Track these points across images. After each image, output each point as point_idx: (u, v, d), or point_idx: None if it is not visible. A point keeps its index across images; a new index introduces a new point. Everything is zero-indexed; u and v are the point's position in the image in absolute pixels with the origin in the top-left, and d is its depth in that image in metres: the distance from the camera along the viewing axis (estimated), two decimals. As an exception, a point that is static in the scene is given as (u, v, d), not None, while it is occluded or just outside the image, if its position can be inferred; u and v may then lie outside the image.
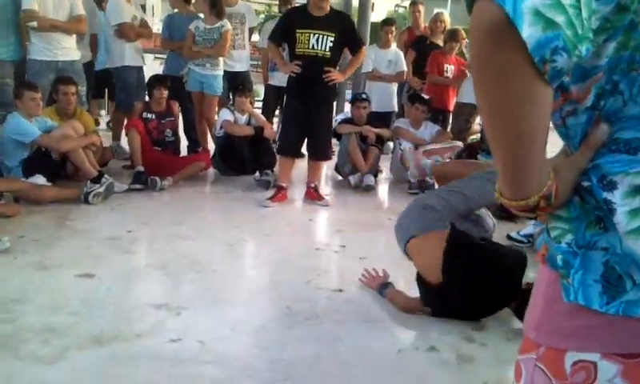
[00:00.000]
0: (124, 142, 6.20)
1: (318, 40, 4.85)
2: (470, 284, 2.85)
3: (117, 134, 6.60)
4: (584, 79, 0.81)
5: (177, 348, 2.60)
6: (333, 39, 4.88)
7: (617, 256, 0.81)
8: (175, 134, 5.90)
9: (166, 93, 5.75)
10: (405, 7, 9.11)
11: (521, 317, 2.94)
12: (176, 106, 5.97)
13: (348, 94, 8.38)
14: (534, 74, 0.72)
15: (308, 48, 4.88)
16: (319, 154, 5.25)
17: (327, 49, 4.89)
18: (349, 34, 5.05)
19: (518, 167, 0.82)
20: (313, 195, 5.24)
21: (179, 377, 2.39)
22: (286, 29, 5.01)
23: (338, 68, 5.18)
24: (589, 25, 0.73)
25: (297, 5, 6.19)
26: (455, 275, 2.88)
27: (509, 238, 4.32)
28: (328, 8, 4.96)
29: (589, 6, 0.72)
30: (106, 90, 7.88)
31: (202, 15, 6.28)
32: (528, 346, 0.92)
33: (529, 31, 0.69)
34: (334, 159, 6.37)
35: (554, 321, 0.88)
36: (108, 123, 7.90)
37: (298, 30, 4.88)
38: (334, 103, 5.64)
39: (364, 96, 6.46)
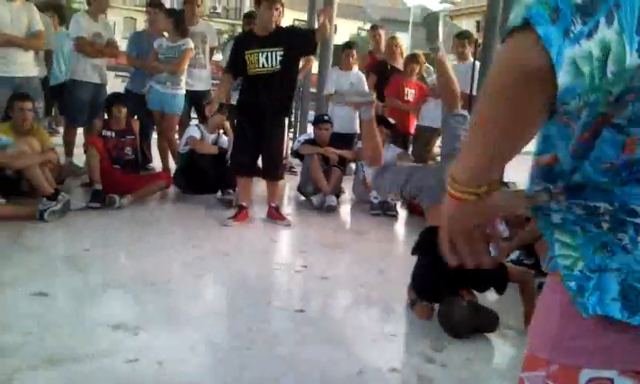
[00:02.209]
0: (78, 159, 6.13)
1: (267, 58, 4.89)
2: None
3: (69, 150, 6.47)
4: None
5: (134, 368, 2.53)
6: (282, 53, 4.90)
7: (636, 273, 0.84)
8: (135, 152, 5.82)
9: (124, 111, 5.68)
10: (367, 30, 9.22)
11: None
12: (136, 124, 5.90)
13: (311, 115, 8.41)
14: (547, 108, 0.81)
15: (258, 67, 4.90)
16: (270, 173, 5.22)
17: (277, 63, 4.91)
18: (298, 42, 5.06)
19: (493, 161, 0.92)
20: (274, 215, 5.22)
21: (136, 398, 2.33)
22: (237, 55, 5.02)
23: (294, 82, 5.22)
24: (610, 80, 0.78)
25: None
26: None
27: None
28: (273, 27, 4.97)
29: (619, 62, 0.77)
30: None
31: (166, 34, 6.27)
32: (535, 363, 0.94)
33: (563, 78, 0.77)
34: (297, 179, 6.38)
35: (573, 339, 0.90)
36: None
37: (246, 52, 4.92)
38: (286, 121, 5.61)
39: (326, 118, 6.49)
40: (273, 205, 5.25)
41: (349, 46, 7.45)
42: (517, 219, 4.01)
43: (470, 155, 0.94)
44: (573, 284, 0.89)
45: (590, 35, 0.75)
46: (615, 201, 0.87)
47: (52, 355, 2.55)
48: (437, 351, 2.99)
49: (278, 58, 4.90)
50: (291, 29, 5.27)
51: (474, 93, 6.28)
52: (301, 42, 5.10)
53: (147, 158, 6.57)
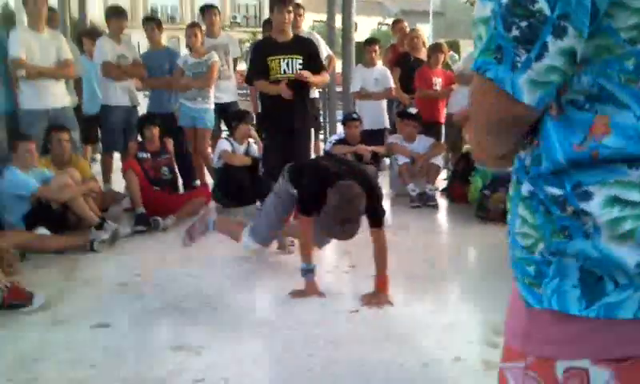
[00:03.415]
0: (116, 185, 6.23)
1: (288, 64, 4.93)
2: None
3: (106, 176, 6.56)
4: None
5: (201, 388, 2.58)
6: (301, 62, 4.96)
7: (593, 260, 0.83)
8: (172, 171, 5.89)
9: (156, 130, 5.74)
10: (387, 25, 9.19)
11: None
12: (170, 143, 5.96)
13: (339, 114, 8.41)
14: (537, 114, 0.87)
15: (280, 73, 4.93)
16: None
17: (297, 72, 4.93)
18: (313, 58, 5.13)
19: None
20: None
21: (208, 417, 2.36)
22: (260, 61, 5.04)
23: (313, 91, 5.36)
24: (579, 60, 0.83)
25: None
26: None
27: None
28: (291, 34, 5.09)
29: (579, 46, 0.82)
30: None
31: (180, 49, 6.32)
32: (513, 354, 0.94)
33: (530, 97, 0.82)
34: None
35: (541, 330, 0.89)
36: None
37: (268, 58, 4.95)
38: (312, 128, 5.66)
39: (354, 116, 6.49)
40: None
41: (371, 42, 7.42)
42: None
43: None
44: (532, 269, 0.89)
45: (539, 57, 0.80)
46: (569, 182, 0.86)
47: None
48: (499, 335, 2.96)
49: (298, 67, 4.95)
50: (310, 43, 5.30)
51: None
52: (315, 61, 5.13)
53: (191, 175, 6.57)
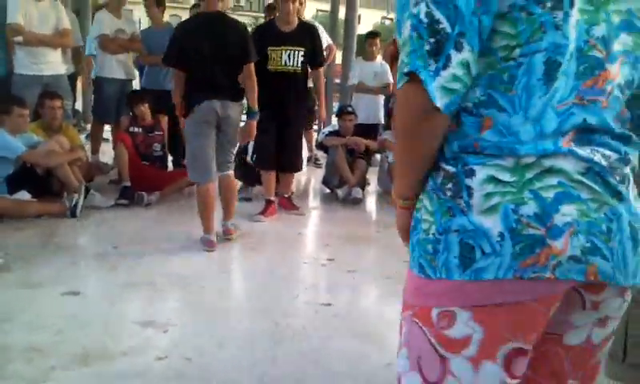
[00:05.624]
0: (105, 156, 6.21)
1: (289, 56, 4.98)
2: None
3: (95, 147, 6.54)
4: None
5: (163, 365, 2.58)
6: (303, 53, 5.01)
7: (469, 232, 1.07)
8: (163, 148, 5.87)
9: (145, 108, 5.72)
10: (391, 19, 9.18)
11: None
12: (164, 121, 5.93)
13: (335, 106, 8.40)
14: (446, 121, 1.08)
15: (281, 65, 4.99)
16: (289, 165, 5.32)
17: (299, 64, 5.02)
18: (316, 50, 5.18)
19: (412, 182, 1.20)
20: (287, 205, 5.28)
21: (166, 395, 2.37)
22: (259, 49, 4.94)
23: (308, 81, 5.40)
24: (474, 72, 1.06)
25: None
26: None
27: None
28: (296, 22, 5.08)
29: (475, 66, 1.05)
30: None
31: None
32: (406, 307, 1.20)
33: (441, 102, 1.03)
34: (322, 172, 6.38)
35: (426, 287, 1.15)
36: (87, 136, 7.79)
37: (270, 48, 4.96)
38: (305, 117, 5.74)
39: (350, 109, 6.47)
40: (285, 195, 5.31)
41: (372, 35, 7.40)
42: None
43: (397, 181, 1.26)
44: (430, 247, 1.12)
45: (445, 66, 1.02)
46: (460, 163, 1.09)
47: (84, 354, 2.61)
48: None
49: (300, 59, 5.00)
50: (314, 33, 5.27)
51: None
52: (314, 51, 5.18)
53: (183, 154, 6.54)
